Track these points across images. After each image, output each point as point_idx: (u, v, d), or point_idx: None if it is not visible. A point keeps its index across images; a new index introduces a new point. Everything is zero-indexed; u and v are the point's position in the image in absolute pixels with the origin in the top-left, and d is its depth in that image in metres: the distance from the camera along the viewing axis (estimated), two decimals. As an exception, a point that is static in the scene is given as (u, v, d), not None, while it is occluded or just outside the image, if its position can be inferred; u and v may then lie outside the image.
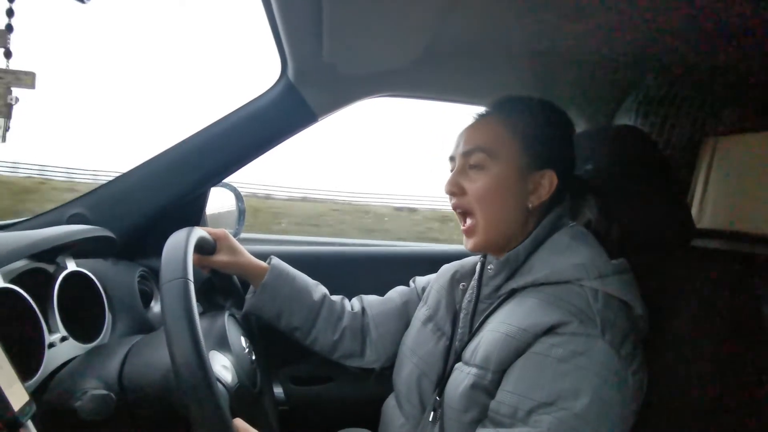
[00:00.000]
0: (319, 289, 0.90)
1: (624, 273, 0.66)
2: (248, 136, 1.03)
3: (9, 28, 0.66)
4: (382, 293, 0.95)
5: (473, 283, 0.79)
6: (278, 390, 1.12)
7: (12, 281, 0.64)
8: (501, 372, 0.62)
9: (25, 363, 0.61)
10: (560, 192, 0.71)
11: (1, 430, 0.44)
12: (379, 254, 1.31)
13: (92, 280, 0.82)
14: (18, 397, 0.45)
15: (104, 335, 0.80)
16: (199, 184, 1.04)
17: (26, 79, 0.72)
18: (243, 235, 1.18)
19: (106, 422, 0.58)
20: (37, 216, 0.97)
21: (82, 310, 0.79)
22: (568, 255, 0.66)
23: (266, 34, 0.89)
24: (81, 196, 0.99)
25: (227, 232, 0.84)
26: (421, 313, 0.85)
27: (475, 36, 0.90)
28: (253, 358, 0.74)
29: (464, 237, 0.74)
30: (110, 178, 1.03)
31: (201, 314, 0.73)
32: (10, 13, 0.65)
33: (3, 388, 0.43)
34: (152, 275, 1.00)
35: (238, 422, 0.55)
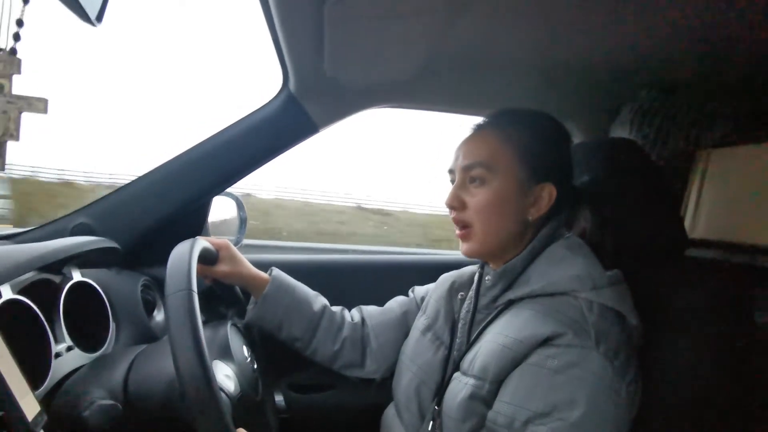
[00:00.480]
0: (319, 300, 0.91)
1: (618, 284, 0.67)
2: (250, 146, 1.05)
3: (13, 51, 0.67)
4: (381, 302, 0.96)
5: (471, 293, 0.80)
6: (279, 398, 1.13)
7: (20, 292, 0.65)
8: (498, 383, 0.63)
9: (33, 373, 0.62)
10: (559, 204, 0.72)
11: None
12: (379, 263, 1.32)
13: (97, 289, 0.83)
14: (30, 407, 0.46)
15: (108, 344, 0.81)
16: (202, 194, 1.05)
17: (38, 105, 0.73)
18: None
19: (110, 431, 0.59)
20: (43, 226, 0.98)
21: (87, 320, 0.80)
22: (564, 266, 0.67)
23: (269, 46, 0.90)
24: (85, 206, 1.00)
25: (229, 242, 0.85)
26: (420, 322, 0.85)
27: (474, 49, 0.92)
28: (255, 366, 0.75)
29: (460, 242, 0.75)
30: (122, 182, 1.04)
31: (204, 324, 0.74)
32: (17, 38, 0.67)
33: (18, 399, 0.44)
34: (155, 284, 1.01)
35: None
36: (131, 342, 0.85)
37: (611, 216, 0.76)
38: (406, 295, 0.97)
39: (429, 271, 0.99)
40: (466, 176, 0.73)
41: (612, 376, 0.59)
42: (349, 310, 0.95)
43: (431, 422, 0.72)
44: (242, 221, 1.19)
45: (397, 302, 0.95)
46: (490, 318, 0.71)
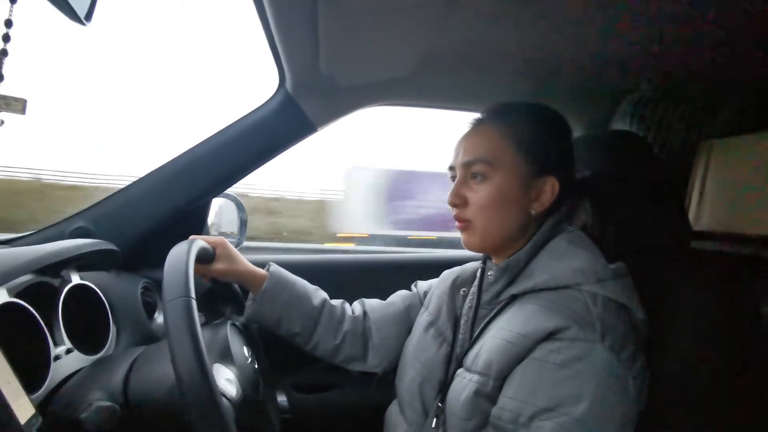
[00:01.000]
0: (319, 294, 0.90)
1: (622, 277, 0.66)
2: (247, 147, 1.04)
3: (4, 53, 0.67)
4: (382, 300, 0.96)
5: (473, 289, 0.79)
6: (281, 398, 1.12)
7: (17, 295, 0.65)
8: (502, 379, 0.62)
9: (32, 376, 0.62)
10: (561, 197, 0.72)
11: None
12: (379, 261, 1.31)
13: (96, 292, 0.83)
14: (24, 410, 0.45)
15: (109, 347, 0.81)
16: (200, 196, 1.05)
17: (16, 105, 0.73)
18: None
19: None
20: (41, 230, 0.98)
21: (87, 323, 0.80)
22: (567, 260, 0.66)
23: (264, 46, 0.90)
24: (84, 210, 1.00)
25: (225, 239, 0.85)
26: (422, 319, 0.85)
27: (472, 44, 0.91)
28: (256, 366, 0.75)
29: (461, 233, 0.74)
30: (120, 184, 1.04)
31: (203, 325, 0.73)
32: (6, 38, 0.66)
33: (9, 401, 0.43)
34: (155, 286, 1.01)
35: None
36: (132, 344, 0.85)
37: (613, 209, 0.76)
38: (409, 290, 0.96)
39: (431, 269, 0.98)
40: (467, 173, 0.73)
41: (618, 369, 0.58)
42: (350, 305, 0.94)
43: (435, 419, 0.71)
44: (242, 222, 1.19)
45: (399, 296, 0.94)
46: (493, 314, 0.70)
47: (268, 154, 1.06)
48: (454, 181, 0.75)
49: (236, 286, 0.91)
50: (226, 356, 0.67)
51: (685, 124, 0.98)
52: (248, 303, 0.87)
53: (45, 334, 0.66)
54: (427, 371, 0.77)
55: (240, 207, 1.18)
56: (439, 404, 0.71)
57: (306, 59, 0.88)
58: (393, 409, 0.85)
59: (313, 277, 0.94)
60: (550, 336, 0.60)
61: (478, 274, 0.80)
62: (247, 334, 0.82)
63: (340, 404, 1.13)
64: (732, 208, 0.86)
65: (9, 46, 0.66)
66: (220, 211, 1.17)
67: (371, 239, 4.52)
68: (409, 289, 0.96)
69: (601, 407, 0.56)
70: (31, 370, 0.62)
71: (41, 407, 0.60)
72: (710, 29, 0.79)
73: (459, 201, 0.73)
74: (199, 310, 0.91)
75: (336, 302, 0.92)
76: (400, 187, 4.76)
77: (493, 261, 0.76)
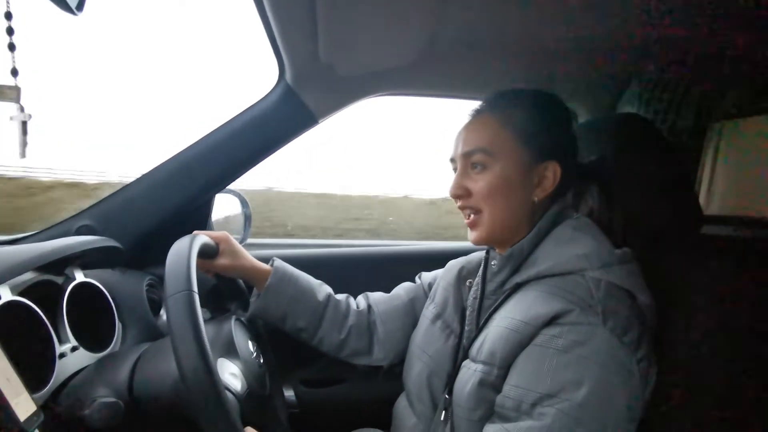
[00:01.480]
0: (323, 289, 0.90)
1: (628, 262, 0.65)
2: (249, 141, 1.04)
3: (12, 47, 0.67)
4: (387, 293, 0.95)
5: (478, 279, 0.78)
6: (289, 393, 1.12)
7: (21, 294, 0.65)
8: (506, 367, 0.62)
9: (37, 374, 0.62)
10: (565, 182, 0.71)
11: None
12: (383, 254, 1.31)
13: (101, 290, 0.83)
14: (25, 407, 0.45)
15: (115, 344, 0.81)
16: (203, 192, 1.05)
17: (9, 93, 0.73)
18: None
19: (115, 430, 0.59)
20: (45, 230, 0.98)
21: (93, 320, 0.80)
22: (572, 246, 0.65)
23: (263, 38, 0.89)
24: (87, 208, 1.00)
25: (228, 235, 0.84)
26: (429, 311, 0.84)
27: (475, 30, 0.89)
28: (261, 361, 0.74)
29: (468, 230, 0.74)
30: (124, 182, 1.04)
31: (207, 320, 0.73)
32: (10, 31, 0.66)
33: (9, 399, 0.43)
34: (160, 283, 1.01)
35: (249, 431, 0.56)
36: (138, 341, 0.85)
37: (620, 194, 0.74)
38: (413, 282, 0.95)
39: (435, 261, 0.97)
40: (467, 163, 0.72)
41: (620, 353, 0.57)
42: (355, 298, 0.94)
43: (443, 412, 0.71)
44: (247, 218, 1.18)
45: (403, 288, 0.94)
46: (497, 303, 0.69)
47: (269, 147, 1.05)
48: (455, 173, 0.74)
49: (241, 282, 0.91)
50: (230, 351, 0.67)
51: (693, 106, 0.96)
52: (253, 299, 0.86)
53: (49, 332, 0.66)
54: (435, 364, 0.76)
55: (244, 203, 1.18)
56: (446, 396, 0.71)
57: (305, 49, 0.87)
58: (401, 403, 0.85)
59: (317, 270, 0.94)
60: (552, 321, 0.59)
61: (482, 264, 0.79)
62: (253, 330, 0.81)
63: (348, 398, 1.13)
64: (744, 191, 0.85)
65: (15, 40, 0.65)
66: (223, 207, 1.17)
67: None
68: (413, 281, 0.96)
69: (603, 392, 0.55)
70: (36, 368, 0.62)
71: (47, 405, 0.60)
72: (717, 8, 0.77)
73: (461, 191, 0.72)
74: (204, 306, 0.92)
75: (341, 297, 0.91)
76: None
77: (497, 250, 0.75)
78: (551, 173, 0.70)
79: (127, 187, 1.02)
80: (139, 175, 1.03)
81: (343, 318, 0.88)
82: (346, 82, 1.03)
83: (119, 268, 0.94)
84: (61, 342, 0.69)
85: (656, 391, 0.62)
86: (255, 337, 0.79)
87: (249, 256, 0.86)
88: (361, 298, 0.94)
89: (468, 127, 0.74)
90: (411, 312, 0.89)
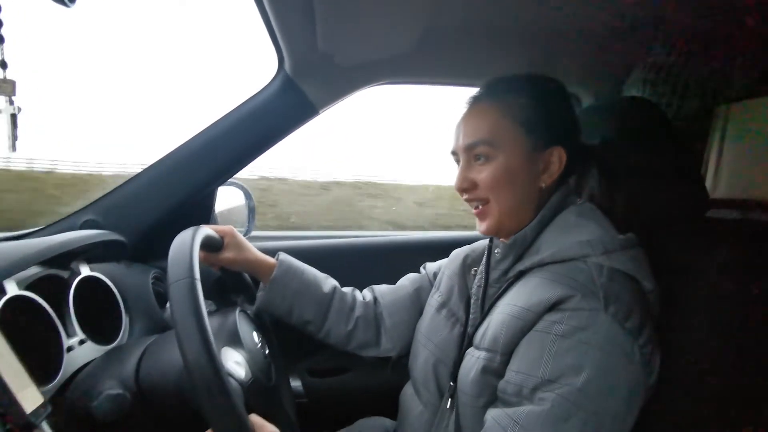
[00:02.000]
0: (329, 282, 0.90)
1: (632, 248, 0.64)
2: (250, 133, 1.03)
3: (0, 39, 0.66)
4: (392, 283, 0.95)
5: (482, 267, 0.78)
6: (296, 383, 1.13)
7: (27, 288, 0.65)
8: (509, 354, 0.61)
9: (45, 367, 0.63)
10: (569, 167, 0.70)
11: None
12: (388, 244, 1.31)
13: (107, 284, 0.84)
14: (31, 399, 0.46)
15: (122, 337, 0.82)
16: (205, 185, 1.05)
17: (5, 87, 0.73)
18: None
19: (122, 422, 0.59)
20: (50, 225, 0.99)
21: (101, 314, 0.81)
22: (575, 233, 0.65)
23: (261, 28, 0.88)
24: (91, 203, 1.01)
25: (233, 228, 0.85)
26: (434, 299, 0.84)
27: (476, 16, 0.88)
28: (267, 352, 0.75)
29: (477, 221, 0.73)
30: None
31: (213, 312, 0.73)
32: None
33: (15, 392, 0.43)
34: (166, 276, 1.02)
35: (254, 418, 0.56)
36: (145, 334, 0.85)
37: (623, 178, 0.73)
38: (418, 273, 0.95)
39: (440, 250, 0.97)
40: (470, 155, 0.71)
41: (622, 338, 0.57)
42: (360, 291, 0.94)
43: (449, 399, 0.71)
44: (251, 210, 1.18)
45: (408, 279, 0.94)
46: (501, 291, 0.69)
47: (270, 139, 1.05)
48: (458, 165, 0.73)
49: (247, 275, 0.91)
50: (234, 340, 0.67)
51: (699, 88, 0.94)
52: (259, 293, 0.87)
53: (57, 326, 0.67)
54: (441, 352, 0.76)
55: (247, 195, 1.17)
56: (451, 384, 0.71)
57: (303, 38, 0.86)
58: (407, 391, 0.85)
59: (321, 262, 0.94)
60: (553, 307, 0.59)
61: (486, 252, 0.78)
62: (258, 321, 0.82)
63: (355, 388, 1.14)
64: (751, 175, 0.83)
65: (4, 32, 0.65)
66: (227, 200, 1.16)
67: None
68: (418, 271, 0.95)
69: (603, 377, 0.55)
70: (44, 362, 0.63)
71: (56, 398, 0.61)
72: None
73: (467, 184, 0.71)
74: (210, 298, 0.92)
75: (346, 289, 0.91)
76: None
77: (501, 239, 0.74)
78: (557, 158, 0.68)
79: (130, 182, 1.03)
80: (141, 170, 1.03)
81: (350, 310, 0.88)
82: (345, 71, 1.02)
83: (125, 262, 0.95)
84: (69, 335, 0.70)
85: (661, 374, 0.61)
86: (260, 329, 0.79)
87: (254, 250, 0.86)
88: (366, 290, 0.94)
89: (467, 117, 0.72)
90: (417, 302, 0.89)
